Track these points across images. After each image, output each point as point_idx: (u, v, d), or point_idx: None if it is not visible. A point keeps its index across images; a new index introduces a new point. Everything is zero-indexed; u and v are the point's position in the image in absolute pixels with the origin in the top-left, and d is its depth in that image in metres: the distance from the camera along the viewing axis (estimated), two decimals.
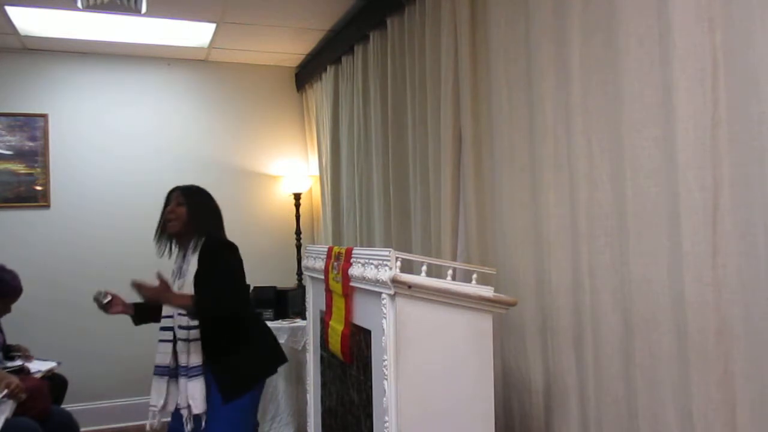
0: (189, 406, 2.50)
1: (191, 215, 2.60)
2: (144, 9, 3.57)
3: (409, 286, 1.85)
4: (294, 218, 4.87)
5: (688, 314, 1.63)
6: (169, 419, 2.67)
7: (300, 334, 4.02)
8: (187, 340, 2.50)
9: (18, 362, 3.34)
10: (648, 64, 1.77)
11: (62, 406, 3.46)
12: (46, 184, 4.51)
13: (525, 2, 2.32)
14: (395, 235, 3.41)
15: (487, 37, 2.59)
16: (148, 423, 2.56)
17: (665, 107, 1.71)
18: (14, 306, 3.40)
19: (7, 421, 2.72)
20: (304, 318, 3.56)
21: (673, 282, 1.70)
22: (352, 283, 2.13)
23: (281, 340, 3.73)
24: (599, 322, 1.99)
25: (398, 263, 1.88)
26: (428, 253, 2.93)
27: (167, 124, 4.82)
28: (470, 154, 2.68)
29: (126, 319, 4.38)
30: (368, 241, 3.83)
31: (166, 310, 2.60)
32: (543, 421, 2.28)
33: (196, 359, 2.50)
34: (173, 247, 2.70)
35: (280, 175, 5.02)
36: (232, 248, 2.58)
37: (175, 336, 2.56)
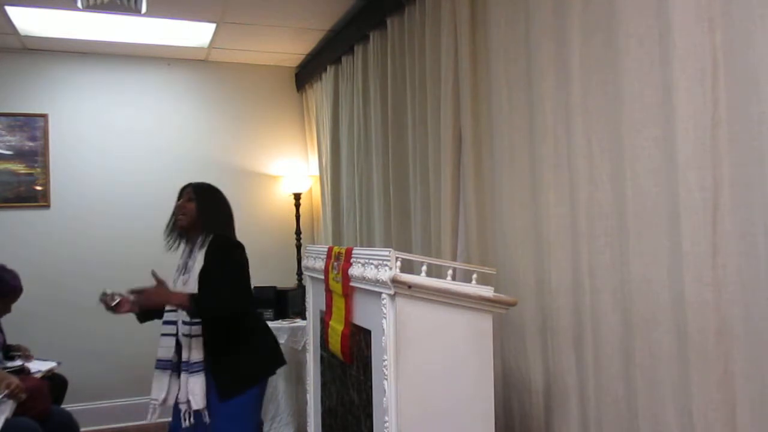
0: (189, 402, 2.51)
1: (200, 212, 2.63)
2: (144, 9, 3.57)
3: (409, 286, 1.85)
4: (294, 218, 4.88)
5: (688, 314, 1.63)
6: (169, 419, 2.67)
7: (300, 334, 4.02)
8: (189, 336, 2.51)
9: (18, 362, 3.34)
10: (648, 64, 1.77)
11: (62, 406, 3.46)
12: (46, 184, 4.51)
13: (525, 2, 2.32)
14: (395, 235, 3.41)
15: (487, 37, 2.59)
16: (148, 416, 2.56)
17: (665, 107, 1.71)
18: (14, 306, 3.40)
19: (7, 421, 2.72)
20: (304, 318, 3.56)
21: (673, 282, 1.70)
22: (352, 283, 2.13)
23: (281, 340, 3.74)
24: (599, 322, 1.99)
25: (398, 263, 1.88)
26: (428, 253, 2.93)
27: (167, 124, 4.82)
28: (470, 154, 2.68)
29: (125, 319, 4.38)
30: (368, 241, 3.83)
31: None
32: (543, 421, 2.28)
33: (197, 355, 2.51)
34: (181, 242, 2.71)
35: (280, 175, 5.02)
36: (239, 248, 2.59)
37: (178, 330, 2.56)
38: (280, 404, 4.09)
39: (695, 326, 1.62)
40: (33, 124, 4.50)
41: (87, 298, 4.43)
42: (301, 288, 4.40)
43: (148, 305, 2.49)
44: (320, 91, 4.74)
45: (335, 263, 2.28)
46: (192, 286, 2.51)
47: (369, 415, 2.05)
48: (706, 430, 1.59)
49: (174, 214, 2.71)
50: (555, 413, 2.23)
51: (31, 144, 4.49)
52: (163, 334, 2.60)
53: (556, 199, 2.19)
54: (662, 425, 1.74)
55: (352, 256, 2.14)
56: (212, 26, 4.16)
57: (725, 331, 1.57)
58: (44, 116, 4.51)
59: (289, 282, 4.73)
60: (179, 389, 2.54)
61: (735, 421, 1.56)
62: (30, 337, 3.73)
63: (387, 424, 1.87)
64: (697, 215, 1.61)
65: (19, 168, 4.47)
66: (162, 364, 2.58)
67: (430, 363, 1.90)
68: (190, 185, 2.72)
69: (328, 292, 2.37)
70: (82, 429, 3.34)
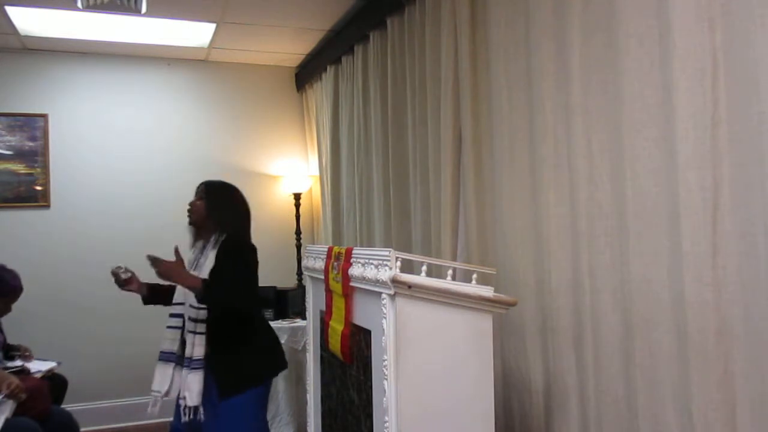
0: (185, 397, 2.51)
1: (209, 210, 2.63)
2: (144, 9, 3.57)
3: (409, 286, 1.85)
4: (294, 218, 4.88)
5: (688, 314, 1.63)
6: (170, 418, 2.67)
7: (300, 334, 4.02)
8: (194, 333, 2.51)
9: (18, 362, 3.34)
10: (648, 64, 1.77)
11: (62, 406, 3.46)
12: (46, 184, 4.51)
13: (525, 2, 2.32)
14: (395, 235, 3.41)
15: (487, 37, 2.59)
16: (149, 408, 2.57)
17: (665, 107, 1.71)
18: (15, 306, 3.40)
19: (7, 421, 2.72)
20: (304, 318, 3.56)
21: (673, 282, 1.70)
22: (352, 283, 2.13)
23: (281, 340, 3.73)
24: (599, 322, 2.00)
25: (398, 263, 1.88)
26: (428, 253, 2.93)
27: (167, 124, 4.82)
28: (470, 154, 2.68)
29: (126, 319, 4.38)
30: (368, 241, 3.83)
31: (178, 297, 2.63)
32: (543, 421, 2.28)
33: (199, 352, 2.51)
34: (198, 239, 2.71)
35: (280, 175, 5.02)
36: (252, 250, 2.59)
37: (184, 324, 2.57)
38: (280, 404, 4.09)
39: (695, 326, 1.62)
40: (33, 124, 4.49)
41: (87, 298, 4.50)
42: (301, 288, 4.40)
43: (161, 276, 2.48)
44: (320, 91, 4.74)
45: (335, 263, 2.28)
46: None
47: (369, 415, 2.05)
48: (706, 430, 1.59)
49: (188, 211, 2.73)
50: (555, 413, 2.23)
51: (31, 144, 4.49)
52: (169, 327, 2.61)
53: (556, 199, 2.19)
54: (662, 425, 1.74)
55: (352, 256, 2.14)
56: (212, 26, 4.16)
57: (725, 331, 1.57)
58: (44, 116, 4.51)
59: (289, 282, 4.73)
60: (181, 383, 2.55)
61: (735, 421, 1.56)
62: (30, 337, 3.73)
63: (387, 424, 1.87)
64: (697, 215, 1.61)
65: (19, 168, 4.47)
66: (165, 356, 2.59)
67: (430, 363, 1.90)
68: (203, 183, 2.73)
69: (328, 292, 2.37)
70: (82, 429, 3.34)
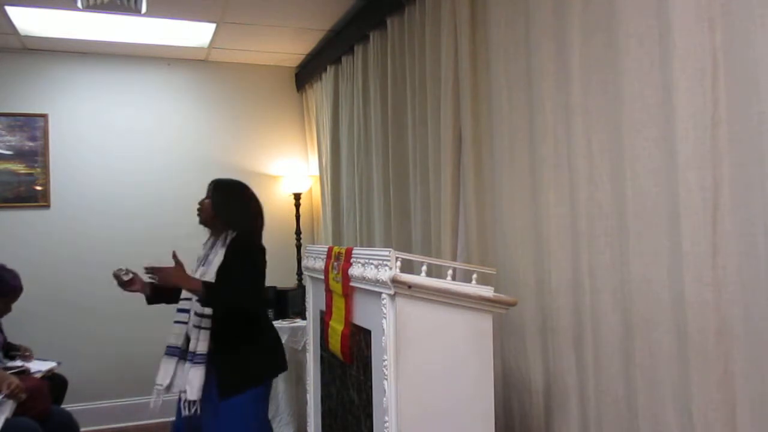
0: (186, 391, 2.52)
1: (215, 209, 2.65)
2: (144, 9, 3.57)
3: (409, 286, 1.85)
4: (294, 218, 4.88)
5: (688, 314, 1.63)
6: (171, 418, 2.67)
7: (300, 334, 4.02)
8: (199, 328, 2.52)
9: (18, 362, 3.34)
10: (648, 64, 1.77)
11: (62, 406, 3.46)
12: (46, 184, 4.51)
13: (525, 2, 2.32)
14: (395, 235, 3.41)
15: (487, 37, 2.59)
16: (152, 401, 2.58)
17: (665, 107, 1.71)
18: (15, 305, 3.40)
19: (7, 421, 2.72)
20: (304, 318, 3.56)
21: (673, 282, 1.70)
22: (352, 283, 2.13)
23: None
24: (599, 322, 1.99)
25: (398, 263, 1.88)
26: (428, 253, 2.93)
27: (167, 124, 4.82)
28: (470, 154, 2.68)
29: (126, 319, 4.38)
30: (368, 241, 3.83)
31: (185, 292, 2.63)
32: (543, 421, 2.28)
33: (202, 347, 2.52)
34: (211, 236, 2.72)
35: (280, 175, 5.02)
36: (261, 251, 2.60)
37: (190, 319, 2.58)
38: (280, 404, 4.09)
39: (695, 326, 1.62)
40: (33, 124, 4.49)
41: (87, 298, 4.50)
42: (301, 288, 4.40)
43: (162, 283, 2.49)
44: (320, 91, 4.74)
45: (335, 263, 2.28)
46: (209, 279, 2.53)
47: (369, 415, 2.05)
48: (706, 430, 1.59)
49: None
50: (555, 413, 2.23)
51: (31, 144, 4.49)
52: (176, 321, 2.62)
53: (556, 199, 2.19)
54: (662, 425, 1.74)
55: (352, 256, 2.14)
56: (212, 26, 4.16)
57: (725, 331, 1.57)
58: (44, 116, 4.51)
59: (289, 282, 4.73)
60: (183, 377, 2.56)
61: (735, 421, 1.56)
62: (30, 337, 3.73)
63: (387, 424, 1.87)
64: (697, 215, 1.61)
65: (19, 168, 4.47)
66: (170, 351, 2.61)
67: (430, 363, 1.90)
68: (212, 181, 2.75)
69: (328, 292, 2.37)
70: (82, 429, 3.34)
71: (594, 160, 2.00)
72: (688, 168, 1.63)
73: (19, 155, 4.47)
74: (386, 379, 1.87)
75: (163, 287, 2.67)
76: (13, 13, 3.83)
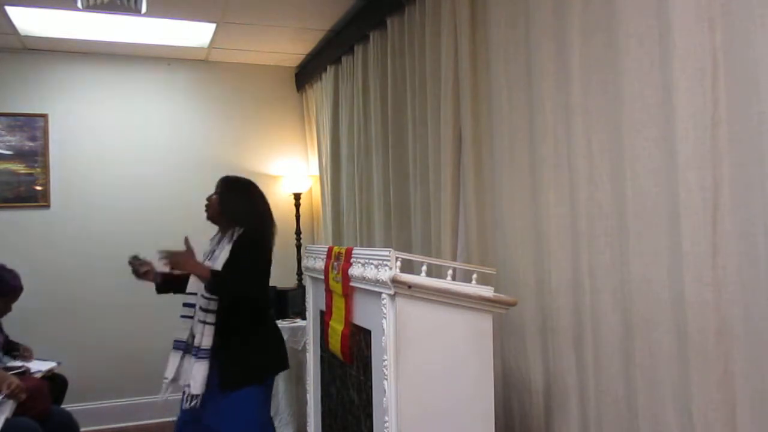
0: (190, 384, 2.54)
1: (221, 205, 2.69)
2: (144, 9, 3.57)
3: (409, 286, 1.85)
4: (294, 218, 4.88)
5: (688, 314, 1.63)
6: (172, 418, 2.68)
7: (300, 334, 4.02)
8: (204, 323, 2.54)
9: (18, 362, 3.34)
10: (648, 64, 1.77)
11: (62, 406, 3.46)
12: (46, 184, 4.51)
13: (525, 2, 2.32)
14: (395, 235, 3.41)
15: (487, 37, 2.59)
16: (160, 395, 2.63)
17: (665, 107, 1.71)
18: (14, 305, 3.40)
19: (7, 421, 2.72)
20: (304, 318, 3.56)
21: (673, 282, 1.69)
22: (352, 283, 2.13)
23: None
24: (599, 322, 1.99)
25: (398, 263, 1.88)
26: (428, 253, 2.93)
27: (167, 124, 4.82)
28: (470, 154, 2.68)
29: (126, 319, 4.38)
30: (368, 241, 3.83)
31: (191, 287, 2.68)
32: (543, 421, 2.28)
33: (207, 342, 2.54)
34: (219, 232, 2.77)
35: (280, 175, 5.02)
36: (267, 248, 2.66)
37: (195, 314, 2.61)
38: (280, 404, 4.09)
39: (695, 326, 1.62)
40: (33, 124, 4.49)
41: (87, 297, 4.49)
42: (301, 288, 4.40)
43: (174, 267, 2.57)
44: (320, 91, 4.74)
45: (335, 263, 2.28)
46: None
47: (369, 415, 2.05)
48: (706, 430, 1.59)
49: None
50: (555, 413, 2.23)
51: (31, 144, 4.49)
52: (182, 316, 2.66)
53: (556, 199, 2.19)
54: (662, 425, 1.74)
55: (352, 256, 2.14)
56: (212, 26, 4.16)
57: (725, 331, 1.57)
58: (44, 116, 4.51)
59: (289, 282, 4.73)
60: (188, 370, 2.59)
61: (735, 421, 1.56)
62: (30, 337, 3.72)
63: (387, 424, 1.87)
64: (697, 215, 1.61)
65: (19, 168, 4.47)
66: (177, 345, 2.65)
67: (430, 363, 1.90)
68: (221, 178, 2.79)
69: (328, 292, 2.37)
70: (82, 429, 3.34)
71: (594, 160, 2.00)
72: (688, 168, 1.63)
73: (19, 155, 4.47)
74: (386, 379, 1.87)
75: (171, 277, 2.72)
76: (13, 13, 3.83)
